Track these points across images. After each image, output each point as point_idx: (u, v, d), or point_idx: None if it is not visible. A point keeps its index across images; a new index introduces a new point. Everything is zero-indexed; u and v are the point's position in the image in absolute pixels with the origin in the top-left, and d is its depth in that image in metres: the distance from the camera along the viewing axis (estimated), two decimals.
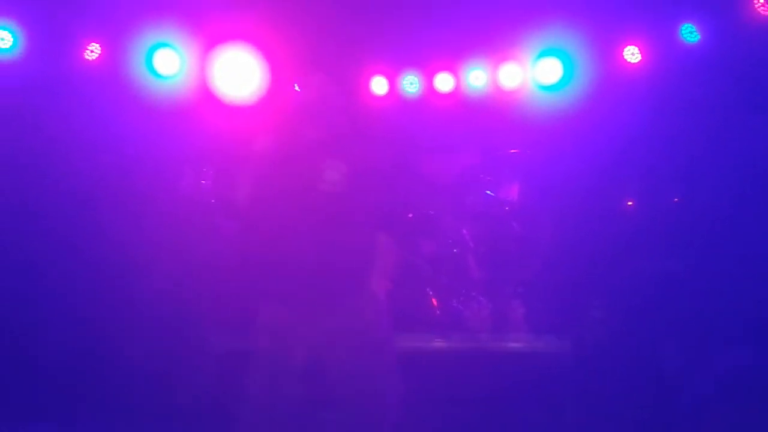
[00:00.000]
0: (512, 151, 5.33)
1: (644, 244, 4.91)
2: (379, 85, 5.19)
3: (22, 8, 4.61)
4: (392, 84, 5.21)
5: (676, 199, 5.09)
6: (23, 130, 4.63)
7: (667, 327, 4.66)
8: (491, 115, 5.21)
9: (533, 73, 5.05)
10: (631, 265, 4.84)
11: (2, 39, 4.59)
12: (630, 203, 5.17)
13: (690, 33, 4.95)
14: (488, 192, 5.20)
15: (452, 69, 5.18)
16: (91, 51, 4.70)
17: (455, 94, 5.22)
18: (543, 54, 5.00)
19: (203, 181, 4.91)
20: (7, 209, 4.58)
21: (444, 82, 5.20)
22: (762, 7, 4.72)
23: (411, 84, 5.18)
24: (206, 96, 4.80)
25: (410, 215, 5.03)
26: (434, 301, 4.81)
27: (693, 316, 4.61)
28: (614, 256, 4.87)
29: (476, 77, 5.17)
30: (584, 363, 4.55)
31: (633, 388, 4.39)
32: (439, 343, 4.58)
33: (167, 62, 4.72)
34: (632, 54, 5.03)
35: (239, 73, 4.73)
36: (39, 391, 4.22)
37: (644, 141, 4.97)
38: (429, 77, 5.20)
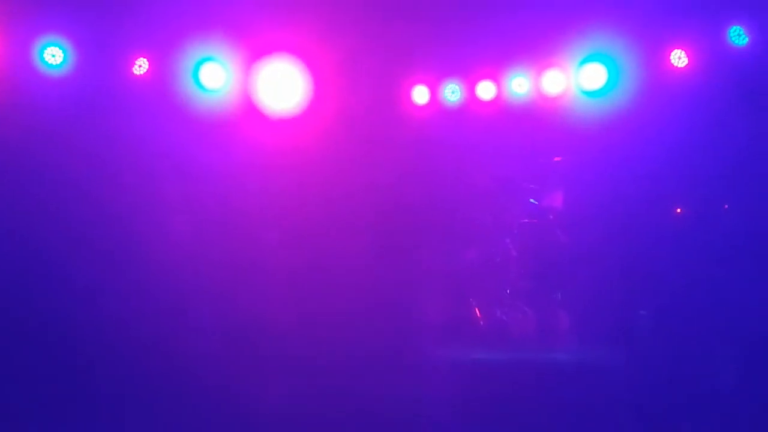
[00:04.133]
0: (556, 158, 5.26)
1: (693, 252, 4.81)
2: (420, 95, 5.18)
3: (72, 25, 4.72)
4: (434, 93, 5.20)
5: (726, 206, 4.97)
6: (74, 143, 4.75)
7: (718, 337, 4.56)
8: (534, 123, 5.15)
9: (577, 79, 4.98)
10: (680, 273, 4.74)
11: (53, 55, 4.70)
12: (678, 210, 5.07)
13: (738, 36, 4.83)
14: (532, 200, 5.15)
15: (494, 77, 5.14)
16: (139, 66, 4.79)
17: (497, 102, 5.17)
18: (587, 60, 4.93)
19: (245, 192, 4.97)
20: (59, 219, 4.72)
21: (486, 90, 5.16)
22: None
23: (452, 93, 5.16)
24: (251, 108, 4.86)
25: (453, 224, 5.01)
26: (477, 311, 4.79)
27: (747, 327, 4.50)
28: (662, 264, 4.78)
29: (519, 84, 5.12)
30: (633, 375, 4.48)
31: (685, 401, 4.31)
32: (482, 354, 4.55)
33: (213, 76, 4.79)
34: (679, 58, 4.92)
35: (283, 86, 4.78)
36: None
37: (692, 146, 4.86)
38: (471, 85, 5.17)
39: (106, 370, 4.51)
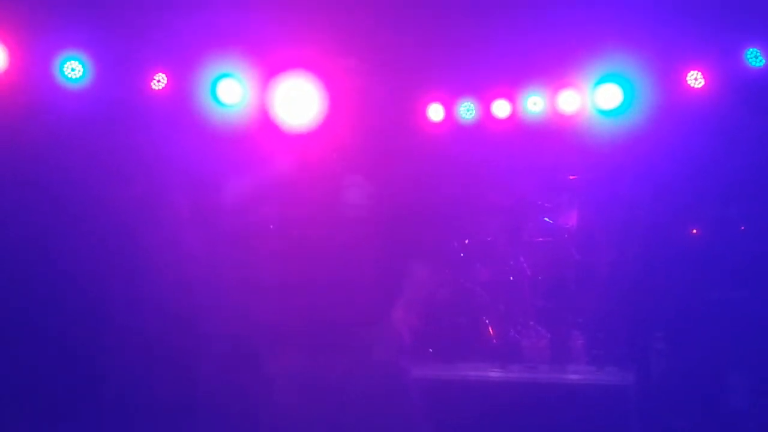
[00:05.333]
0: (571, 177, 5.26)
1: (709, 274, 4.77)
2: (435, 112, 5.20)
3: (91, 40, 4.78)
4: (449, 111, 5.22)
5: (742, 228, 4.94)
6: (92, 157, 4.79)
7: (734, 359, 4.51)
8: (549, 141, 5.16)
9: (593, 98, 4.99)
10: (696, 294, 4.71)
11: (73, 69, 4.76)
12: (694, 231, 5.04)
13: (755, 57, 4.83)
14: (546, 219, 5.14)
15: (509, 95, 5.16)
16: (158, 81, 4.85)
17: (512, 120, 5.19)
18: (603, 80, 4.94)
19: (264, 209, 4.99)
20: (78, 232, 4.75)
21: (501, 108, 5.18)
22: None
23: (467, 111, 5.18)
24: (267, 123, 4.90)
25: (467, 241, 5.01)
26: (491, 330, 4.77)
27: (761, 349, 4.46)
28: (678, 285, 4.75)
29: (534, 103, 5.14)
30: (647, 396, 4.44)
31: (698, 422, 4.26)
32: (495, 374, 4.53)
33: (230, 91, 4.83)
34: (695, 79, 4.92)
35: (299, 102, 4.81)
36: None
37: (708, 168, 4.84)
38: (486, 104, 5.19)
39: (117, 380, 4.53)
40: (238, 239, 4.85)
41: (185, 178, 4.81)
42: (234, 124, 4.85)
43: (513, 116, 5.18)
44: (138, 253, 4.77)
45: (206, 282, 4.74)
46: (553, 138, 5.13)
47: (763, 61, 4.81)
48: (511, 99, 5.17)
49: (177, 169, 4.77)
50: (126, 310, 4.70)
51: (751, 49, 4.82)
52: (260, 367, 4.38)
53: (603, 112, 4.99)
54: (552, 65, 5.01)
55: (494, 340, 4.73)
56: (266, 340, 4.50)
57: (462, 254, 4.94)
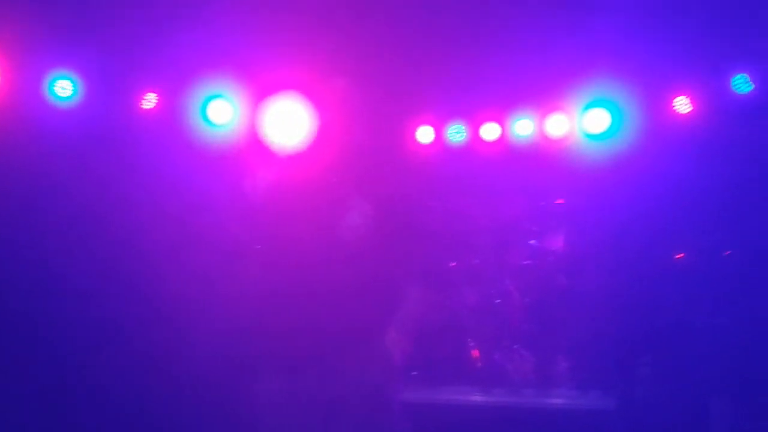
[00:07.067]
0: (558, 201, 5.28)
1: (695, 299, 4.80)
2: (425, 134, 5.23)
3: (82, 59, 4.80)
4: (438, 133, 5.25)
5: (727, 252, 4.97)
6: (82, 175, 4.80)
7: (717, 384, 4.53)
8: (537, 165, 5.20)
9: (581, 122, 5.03)
10: (681, 319, 4.73)
11: (63, 88, 4.77)
12: (680, 256, 5.07)
13: (742, 83, 4.87)
14: (533, 242, 5.17)
15: (498, 119, 5.19)
16: (148, 100, 4.86)
17: (501, 143, 5.22)
18: (591, 104, 4.98)
19: (252, 229, 5.00)
20: (67, 251, 4.75)
21: (490, 132, 5.21)
22: None
23: (457, 133, 5.21)
24: (257, 144, 4.92)
25: (453, 264, 5.02)
26: (476, 353, 4.78)
27: (744, 374, 4.48)
28: (663, 311, 4.77)
29: (523, 126, 5.17)
30: (631, 421, 4.45)
31: None
32: (479, 398, 4.54)
33: (221, 112, 4.85)
34: (683, 104, 4.97)
35: (289, 123, 4.83)
36: None
37: (695, 193, 4.88)
38: (475, 127, 5.22)
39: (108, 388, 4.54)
40: (227, 259, 4.87)
41: (174, 197, 4.82)
42: (224, 144, 4.88)
43: (502, 139, 5.22)
44: (128, 272, 4.77)
45: (196, 301, 4.74)
46: (542, 161, 5.17)
47: (750, 86, 4.85)
48: (500, 122, 5.21)
49: (166, 188, 4.78)
50: (114, 327, 4.70)
51: (738, 75, 4.86)
52: (244, 387, 4.40)
53: (591, 137, 5.03)
54: (541, 89, 5.05)
55: (479, 364, 4.74)
56: (252, 360, 4.52)
57: (449, 276, 4.95)
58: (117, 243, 4.73)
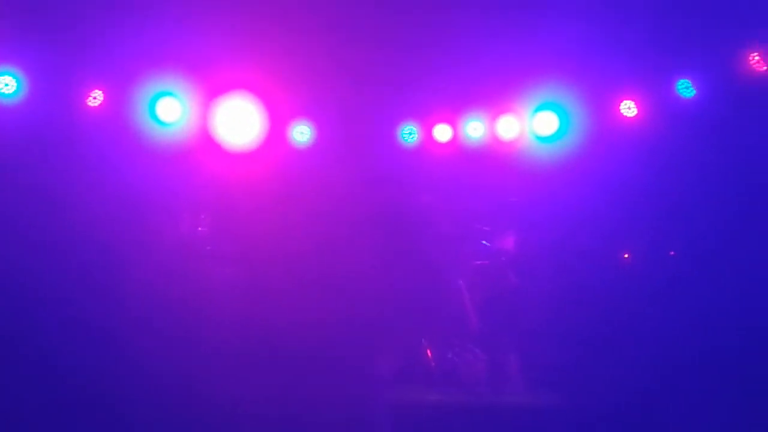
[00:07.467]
0: (510, 199, 5.35)
1: (641, 297, 4.90)
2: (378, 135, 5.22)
3: (26, 54, 4.67)
4: (390, 134, 5.26)
5: (672, 252, 5.09)
6: (25, 173, 4.66)
7: (665, 381, 4.62)
8: (488, 165, 5.25)
9: (531, 125, 5.12)
10: (629, 317, 4.82)
11: (6, 84, 4.64)
12: (626, 256, 5.17)
13: (686, 88, 5.03)
14: (485, 242, 5.20)
15: (451, 120, 5.24)
16: (94, 98, 4.75)
17: (453, 144, 5.27)
18: (540, 108, 5.08)
19: (200, 228, 4.93)
20: (8, 252, 4.60)
21: (442, 133, 5.25)
22: (757, 63, 4.79)
23: (409, 134, 5.23)
24: (206, 142, 4.86)
25: (407, 263, 5.01)
26: (429, 353, 4.78)
27: (691, 369, 4.58)
28: (611, 308, 4.85)
29: (474, 128, 5.23)
30: (581, 417, 4.50)
31: None
32: (433, 396, 4.53)
33: (169, 110, 4.78)
34: (628, 108, 5.10)
35: (239, 121, 4.80)
36: None
37: (640, 193, 5.00)
38: (428, 128, 5.25)
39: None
40: (179, 257, 4.79)
41: (122, 195, 4.72)
42: (173, 142, 4.80)
43: (454, 140, 5.26)
44: (74, 271, 4.63)
45: (147, 300, 4.63)
46: (493, 162, 5.23)
47: (694, 91, 5.01)
48: (453, 124, 5.26)
49: (113, 186, 4.67)
50: (55, 330, 4.56)
51: (681, 80, 5.02)
52: (219, 389, 4.32)
53: (541, 138, 5.12)
54: (492, 92, 5.12)
55: (432, 363, 4.73)
56: (206, 362, 4.44)
57: (402, 277, 4.94)
58: (61, 242, 4.59)
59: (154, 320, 4.47)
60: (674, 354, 4.63)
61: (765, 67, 4.76)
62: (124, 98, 4.77)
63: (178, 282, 4.65)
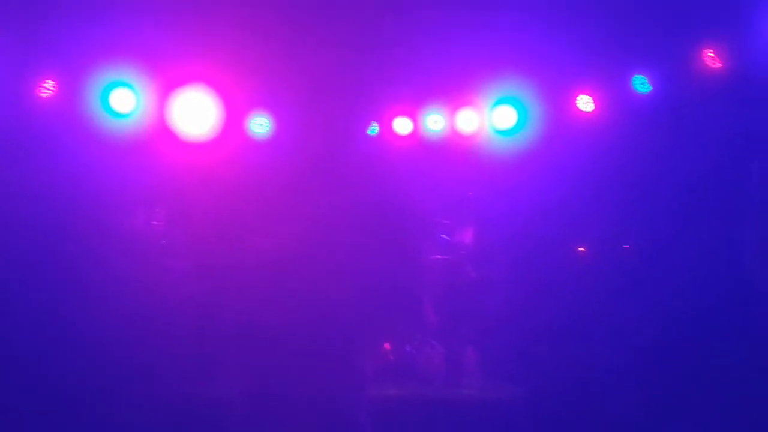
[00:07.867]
0: (469, 194, 5.37)
1: (597, 290, 4.96)
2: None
3: None
4: (351, 127, 5.23)
5: (626, 246, 5.17)
6: None
7: (626, 376, 4.68)
8: (448, 159, 5.28)
9: (490, 119, 5.16)
10: (586, 310, 4.87)
11: None
12: (582, 250, 5.24)
13: (642, 84, 5.10)
14: (444, 236, 5.22)
15: (410, 113, 5.25)
16: (46, 88, 4.65)
17: (413, 137, 5.28)
18: (499, 101, 5.12)
19: (155, 221, 4.86)
20: None
21: (402, 126, 5.27)
22: (711, 60, 4.88)
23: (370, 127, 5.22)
24: (161, 134, 4.79)
25: (366, 257, 5.00)
26: (387, 346, 4.77)
27: (650, 364, 4.65)
28: (569, 302, 4.90)
29: (434, 121, 5.26)
30: (539, 411, 4.54)
31: None
32: (392, 390, 4.53)
33: (123, 101, 4.70)
34: (585, 103, 5.17)
35: (195, 113, 4.75)
36: None
37: (597, 187, 5.07)
38: (387, 120, 5.26)
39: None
40: (135, 250, 4.71)
41: (75, 188, 4.62)
42: (127, 134, 4.72)
43: (414, 133, 5.28)
44: (26, 268, 4.52)
45: (105, 294, 4.55)
46: (453, 155, 5.25)
47: (649, 87, 5.08)
48: (413, 117, 5.27)
49: (66, 178, 4.58)
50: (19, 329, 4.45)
51: (637, 76, 5.09)
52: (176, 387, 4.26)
53: (499, 132, 5.16)
54: (451, 86, 5.14)
55: (390, 356, 4.73)
56: (163, 360, 4.37)
57: (361, 271, 4.92)
58: (8, 236, 4.48)
59: (107, 317, 4.40)
60: (633, 346, 4.70)
61: (719, 64, 4.84)
62: (77, 88, 4.67)
63: (131, 278, 4.58)
